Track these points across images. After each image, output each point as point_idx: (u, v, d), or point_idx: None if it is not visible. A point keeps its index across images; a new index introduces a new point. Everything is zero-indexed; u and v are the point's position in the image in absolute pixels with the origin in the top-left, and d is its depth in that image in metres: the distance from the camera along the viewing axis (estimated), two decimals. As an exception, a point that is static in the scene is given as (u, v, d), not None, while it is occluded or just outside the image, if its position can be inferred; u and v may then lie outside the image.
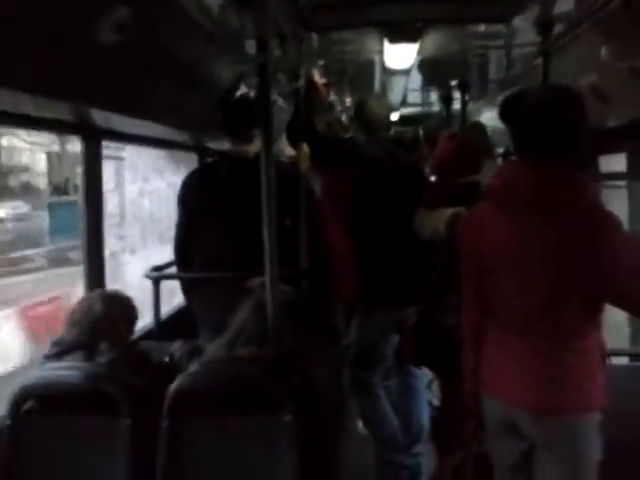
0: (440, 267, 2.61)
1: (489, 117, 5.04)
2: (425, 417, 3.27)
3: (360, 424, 3.62)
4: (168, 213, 3.09)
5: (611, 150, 3.55)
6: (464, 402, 2.13)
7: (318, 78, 3.75)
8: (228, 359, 2.10)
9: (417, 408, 3.30)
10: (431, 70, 4.95)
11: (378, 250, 3.10)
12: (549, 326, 1.93)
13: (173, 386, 2.01)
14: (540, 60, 3.03)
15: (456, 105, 5.57)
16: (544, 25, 2.96)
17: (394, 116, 7.06)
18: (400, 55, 3.78)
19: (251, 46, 2.11)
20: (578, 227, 1.87)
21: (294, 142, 3.06)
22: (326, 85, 4.03)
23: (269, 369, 2.05)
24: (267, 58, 2.09)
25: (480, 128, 3.57)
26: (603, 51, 2.65)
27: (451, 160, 2.98)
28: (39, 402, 2.11)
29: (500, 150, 4.43)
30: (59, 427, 2.07)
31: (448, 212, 2.63)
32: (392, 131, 4.02)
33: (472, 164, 2.93)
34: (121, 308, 2.35)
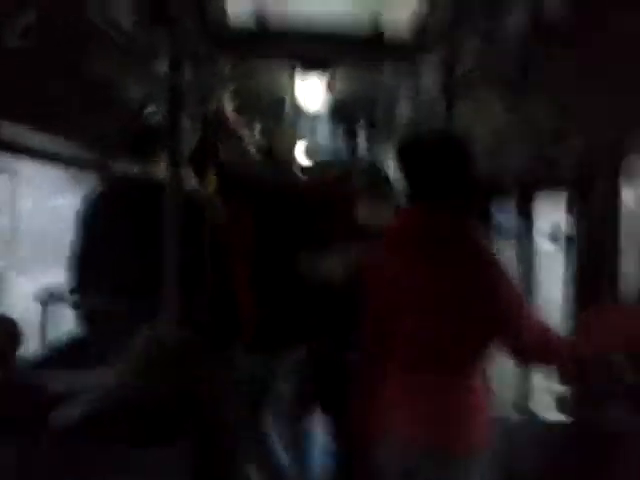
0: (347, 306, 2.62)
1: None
2: (317, 461, 3.25)
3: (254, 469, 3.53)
4: (65, 233, 2.95)
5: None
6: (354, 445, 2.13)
7: (229, 106, 3.73)
8: (124, 389, 2.00)
9: (310, 452, 3.27)
10: (339, 108, 5.05)
11: (275, 285, 3.05)
12: (441, 363, 1.98)
13: (61, 414, 1.89)
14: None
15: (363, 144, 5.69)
16: (446, 68, 3.09)
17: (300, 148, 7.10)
18: (308, 89, 3.84)
19: (162, 65, 2.07)
20: (467, 270, 1.96)
21: (198, 169, 3.01)
22: (237, 114, 4.01)
23: (165, 400, 1.97)
24: (177, 78, 2.05)
25: (376, 171, 3.63)
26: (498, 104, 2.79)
27: (326, 204, 3.01)
28: None
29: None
30: None
31: (341, 256, 2.65)
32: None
33: (348, 207, 2.97)
34: (3, 331, 2.20)
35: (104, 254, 2.75)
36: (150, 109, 3.19)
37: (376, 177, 3.39)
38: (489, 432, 2.00)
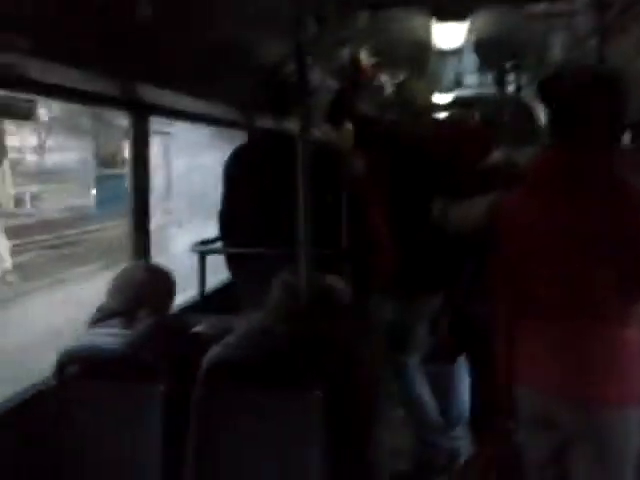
0: (480, 255, 2.57)
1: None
2: (465, 402, 3.25)
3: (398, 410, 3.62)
4: (215, 189, 3.14)
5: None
6: (496, 395, 2.11)
7: (366, 58, 3.73)
8: (262, 332, 2.13)
9: (457, 392, 3.29)
10: (485, 51, 4.85)
11: (418, 234, 3.06)
12: (588, 313, 1.89)
13: (207, 356, 2.06)
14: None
15: (511, 88, 5.46)
16: (601, 4, 2.88)
17: (447, 98, 6.95)
18: (450, 34, 3.72)
19: (292, 24, 2.12)
20: (614, 210, 1.83)
21: (335, 122, 3.05)
22: (375, 66, 4.00)
23: (302, 345, 2.08)
24: (304, 36, 2.09)
25: (527, 111, 3.48)
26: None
27: (459, 145, 2.90)
28: (81, 366, 2.20)
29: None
30: (99, 392, 2.15)
31: (484, 200, 2.57)
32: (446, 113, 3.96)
33: (483, 148, 2.85)
34: (162, 280, 2.41)
35: (247, 205, 2.90)
36: (288, 68, 3.29)
37: (521, 114, 3.26)
38: (639, 386, 1.90)
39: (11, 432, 2.11)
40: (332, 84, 3.78)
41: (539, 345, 1.98)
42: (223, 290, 3.75)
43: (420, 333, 3.11)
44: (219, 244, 3.21)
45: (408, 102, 3.23)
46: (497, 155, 2.79)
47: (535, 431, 2.02)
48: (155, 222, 3.08)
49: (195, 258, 3.24)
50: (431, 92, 3.65)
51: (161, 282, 2.42)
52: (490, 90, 6.50)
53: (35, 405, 2.17)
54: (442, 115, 3.76)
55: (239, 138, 3.91)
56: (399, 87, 3.33)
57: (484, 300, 2.14)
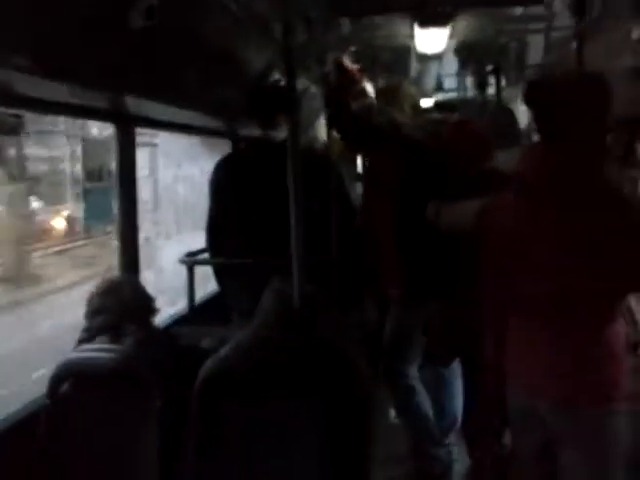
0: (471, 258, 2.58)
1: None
2: (458, 407, 3.25)
3: (393, 415, 3.62)
4: (202, 199, 3.12)
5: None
6: (486, 394, 2.12)
7: (349, 64, 3.73)
8: (257, 343, 2.12)
9: (450, 398, 3.27)
10: (465, 55, 4.89)
11: (422, 239, 3.00)
12: (573, 314, 1.90)
13: (203, 369, 2.04)
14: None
15: (492, 91, 5.50)
16: (579, 6, 2.90)
17: (429, 102, 6.99)
18: (431, 40, 3.74)
19: (279, 31, 2.12)
20: (600, 210, 1.85)
21: (337, 125, 3.02)
22: (359, 71, 4.01)
23: (299, 354, 2.07)
24: (292, 42, 2.09)
25: (508, 113, 3.50)
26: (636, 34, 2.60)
27: (461, 147, 2.90)
28: (75, 382, 2.17)
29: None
30: (94, 407, 2.12)
31: (475, 203, 2.57)
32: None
33: (484, 151, 2.86)
34: (144, 295, 2.40)
35: (234, 215, 2.88)
36: (273, 76, 3.29)
37: (502, 116, 3.27)
38: (624, 386, 1.92)
39: (9, 451, 2.08)
40: (315, 91, 3.78)
41: (524, 345, 1.99)
42: (212, 301, 3.73)
43: (418, 340, 3.10)
44: (207, 255, 3.19)
45: (405, 105, 3.22)
46: (502, 156, 2.80)
47: (522, 428, 2.04)
48: (143, 234, 3.04)
49: (184, 270, 3.22)
50: (421, 95, 3.66)
51: (141, 298, 2.39)
52: (471, 93, 6.56)
53: (30, 424, 2.13)
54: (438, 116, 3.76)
55: (225, 147, 3.90)
56: (395, 91, 3.32)
57: (477, 303, 2.15)
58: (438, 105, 6.98)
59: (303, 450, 1.99)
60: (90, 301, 2.31)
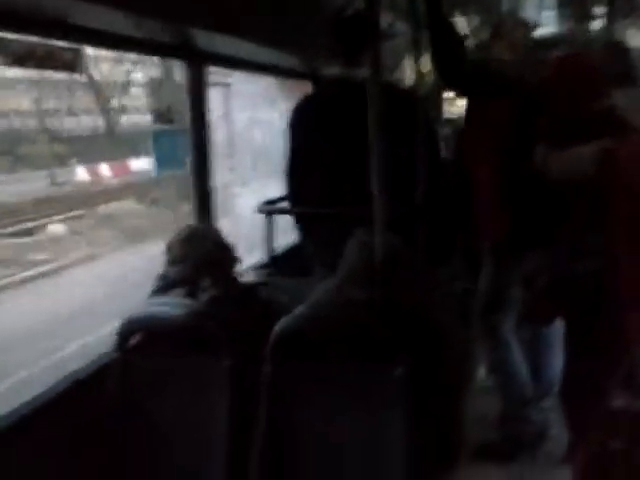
0: (584, 209, 2.29)
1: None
2: (557, 370, 3.00)
3: (483, 374, 3.41)
4: (280, 145, 2.95)
5: None
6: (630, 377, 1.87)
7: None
8: (336, 302, 1.94)
9: (549, 359, 3.04)
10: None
11: (528, 186, 2.72)
12: None
13: (276, 328, 1.89)
14: None
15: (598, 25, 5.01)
16: None
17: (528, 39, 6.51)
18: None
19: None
20: None
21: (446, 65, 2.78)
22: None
23: (381, 315, 1.87)
24: None
25: (621, 48, 3.09)
26: None
27: (571, 84, 2.56)
28: (144, 336, 2.09)
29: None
30: (163, 363, 2.05)
31: (589, 148, 2.26)
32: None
33: (597, 89, 2.51)
34: (224, 247, 2.27)
35: (315, 161, 2.70)
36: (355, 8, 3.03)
37: (619, 56, 2.88)
38: None
39: (84, 399, 2.04)
40: (402, 29, 3.50)
41: None
42: (292, 252, 3.59)
43: (516, 294, 2.86)
44: (286, 203, 3.03)
45: (510, 44, 2.92)
46: (618, 97, 2.46)
47: None
48: (218, 181, 2.91)
49: (261, 219, 3.10)
50: (532, 29, 3.31)
51: (223, 249, 2.26)
52: (574, 27, 6.03)
53: (100, 377, 2.06)
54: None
55: (305, 90, 3.69)
56: (498, 27, 3.02)
57: (591, 260, 1.89)
58: (538, 42, 6.47)
59: (385, 417, 1.83)
60: (169, 248, 2.21)
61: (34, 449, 1.84)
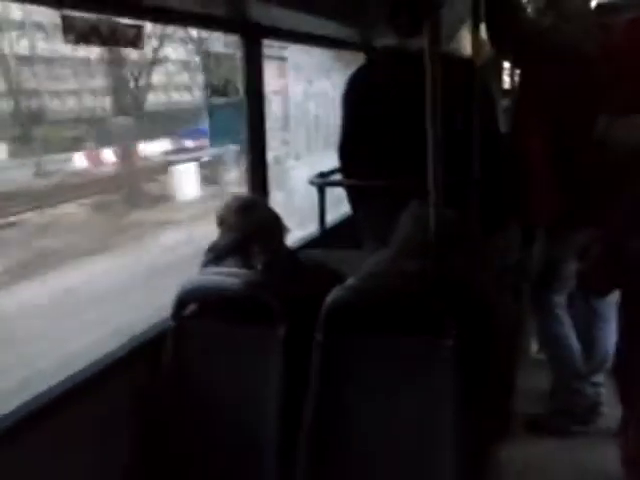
0: None
1: None
2: (610, 345, 2.94)
3: (535, 347, 3.38)
4: (334, 116, 2.94)
5: None
6: None
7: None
8: (388, 273, 1.95)
9: (603, 334, 2.97)
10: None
11: (584, 160, 2.62)
12: None
13: (329, 298, 1.91)
14: None
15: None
16: None
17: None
18: None
19: None
20: None
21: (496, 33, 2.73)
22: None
23: (432, 286, 1.88)
24: None
25: None
26: None
27: (635, 50, 2.45)
28: (200, 306, 2.14)
29: None
30: (217, 332, 2.09)
31: None
32: None
33: None
34: (272, 216, 2.28)
35: (369, 133, 2.68)
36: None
37: None
38: None
39: (139, 370, 2.09)
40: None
41: None
42: (344, 224, 3.60)
43: (569, 268, 2.81)
44: (339, 176, 3.03)
45: (567, 13, 2.81)
46: None
47: None
48: (272, 153, 2.93)
49: (315, 191, 3.10)
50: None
51: (273, 218, 2.28)
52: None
53: (158, 344, 2.12)
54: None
55: (359, 62, 3.66)
56: None
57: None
58: (600, 7, 6.20)
59: (436, 389, 1.84)
60: (221, 219, 2.23)
61: (94, 415, 1.90)
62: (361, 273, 2.02)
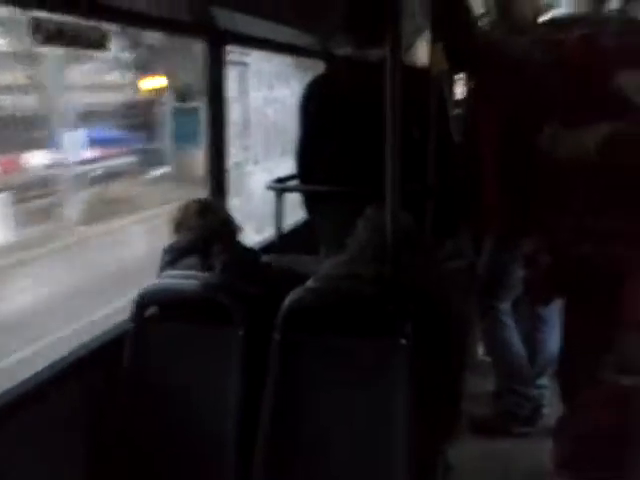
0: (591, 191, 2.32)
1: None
2: (553, 349, 3.06)
3: (481, 351, 3.48)
4: (292, 123, 2.98)
5: None
6: None
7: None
8: (345, 276, 2.01)
9: (547, 338, 3.09)
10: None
11: (531, 168, 2.65)
12: None
13: (288, 299, 1.95)
14: None
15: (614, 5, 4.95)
16: None
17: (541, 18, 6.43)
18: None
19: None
20: None
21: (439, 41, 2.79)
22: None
23: (387, 289, 1.94)
24: None
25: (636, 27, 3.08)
26: None
27: (585, 64, 2.57)
28: (160, 308, 2.16)
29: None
30: (177, 333, 2.10)
31: (602, 129, 2.28)
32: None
33: (612, 70, 2.52)
34: (230, 219, 2.33)
35: (326, 141, 2.73)
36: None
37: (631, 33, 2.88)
38: None
39: (96, 372, 2.09)
40: (416, 6, 3.49)
41: None
42: (301, 230, 3.64)
43: (515, 276, 2.91)
44: (297, 182, 3.08)
45: (515, 22, 2.90)
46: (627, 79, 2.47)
47: None
48: (232, 159, 2.96)
49: (272, 197, 3.13)
50: (540, 12, 3.26)
51: (229, 219, 2.34)
52: (589, 8, 5.94)
53: (115, 347, 2.13)
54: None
55: (319, 69, 3.71)
56: (505, 4, 3.00)
57: (598, 241, 1.93)
58: (552, 22, 6.38)
59: (388, 388, 1.89)
60: (179, 221, 2.27)
61: (50, 417, 1.89)
62: (317, 276, 2.08)
